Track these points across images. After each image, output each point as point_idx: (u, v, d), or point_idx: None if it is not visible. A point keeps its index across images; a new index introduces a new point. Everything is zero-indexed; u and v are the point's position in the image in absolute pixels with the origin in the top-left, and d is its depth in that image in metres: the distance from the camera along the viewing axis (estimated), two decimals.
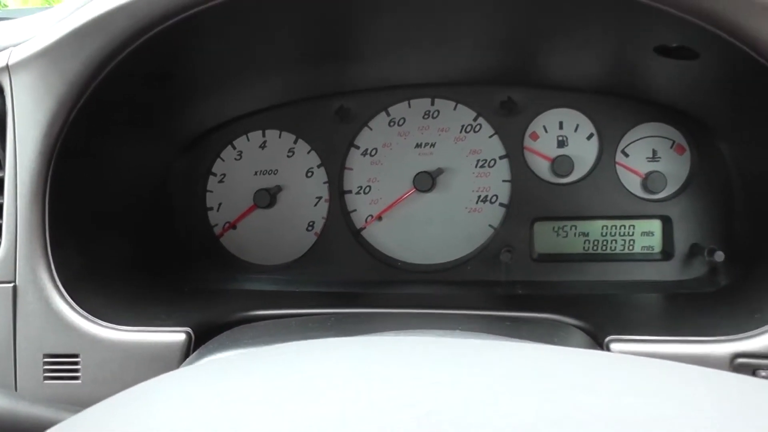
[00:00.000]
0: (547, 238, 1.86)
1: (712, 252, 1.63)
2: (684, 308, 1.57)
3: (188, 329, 1.31)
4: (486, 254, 1.86)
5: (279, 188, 1.94)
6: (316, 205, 1.94)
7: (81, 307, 1.32)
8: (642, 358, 0.62)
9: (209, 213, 1.98)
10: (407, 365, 0.56)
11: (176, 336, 1.30)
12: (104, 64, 1.26)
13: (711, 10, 1.10)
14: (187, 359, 1.23)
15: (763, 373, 1.14)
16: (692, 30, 1.15)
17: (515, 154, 1.86)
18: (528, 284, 1.81)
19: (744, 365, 1.15)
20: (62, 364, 1.30)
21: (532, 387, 0.51)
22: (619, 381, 0.53)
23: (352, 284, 1.86)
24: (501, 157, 1.87)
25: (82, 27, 1.23)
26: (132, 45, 1.24)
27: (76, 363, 1.30)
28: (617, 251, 1.83)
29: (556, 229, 1.85)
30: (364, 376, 0.53)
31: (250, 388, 0.54)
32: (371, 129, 1.92)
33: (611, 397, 0.50)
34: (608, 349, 1.21)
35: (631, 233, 1.82)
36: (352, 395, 0.50)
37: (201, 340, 1.31)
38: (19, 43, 1.33)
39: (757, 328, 1.18)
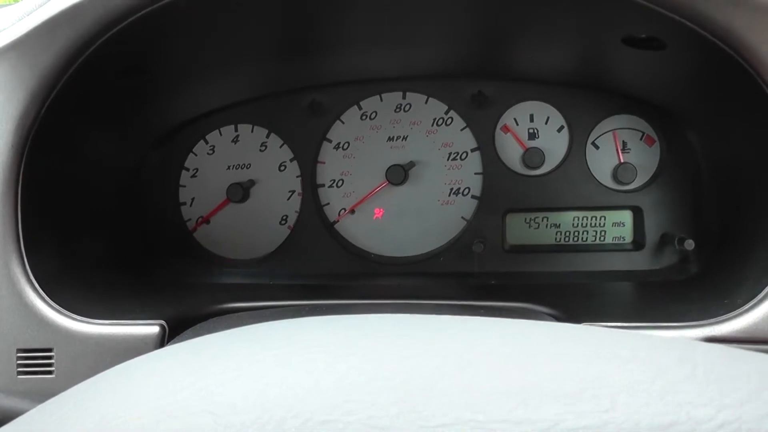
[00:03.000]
0: (519, 229, 1.87)
1: (682, 241, 1.65)
2: (655, 296, 1.59)
3: (162, 322, 1.31)
4: (459, 246, 1.88)
5: (252, 182, 1.94)
6: (289, 198, 1.95)
7: (54, 301, 1.31)
8: (605, 328, 0.63)
9: (182, 208, 1.98)
10: (381, 339, 0.57)
11: (150, 329, 1.30)
12: (76, 56, 1.26)
13: (679, 1, 1.11)
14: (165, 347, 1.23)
15: None
16: (660, 21, 1.16)
17: (487, 146, 1.87)
18: (501, 275, 1.83)
19: None
20: (36, 358, 1.29)
21: (502, 356, 0.52)
22: (585, 348, 0.54)
23: (326, 277, 1.87)
24: (473, 150, 1.88)
25: (52, 18, 1.22)
26: (103, 36, 1.24)
27: (50, 357, 1.29)
28: (589, 242, 1.85)
29: (527, 220, 1.87)
30: (338, 350, 0.54)
31: (229, 364, 0.55)
32: (343, 123, 1.93)
33: (578, 363, 0.51)
34: None
35: (602, 224, 1.84)
36: (325, 368, 0.51)
37: (175, 333, 1.31)
38: None
39: (726, 313, 1.21)
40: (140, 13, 1.21)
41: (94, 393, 0.57)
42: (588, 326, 0.63)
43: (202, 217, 1.97)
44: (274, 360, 0.54)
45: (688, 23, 1.14)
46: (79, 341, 1.29)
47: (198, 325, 1.31)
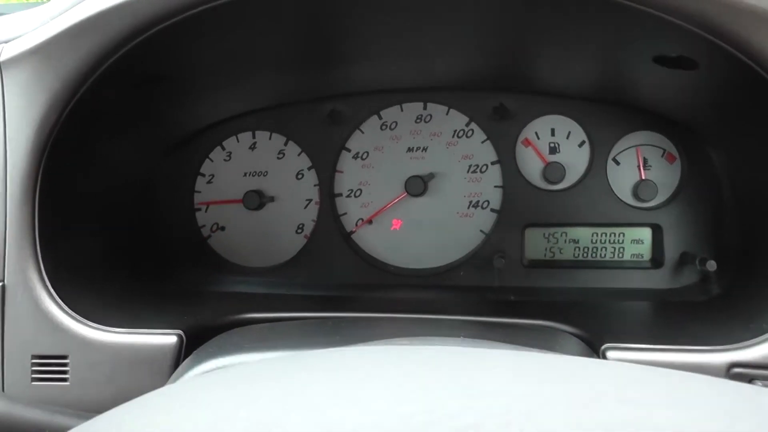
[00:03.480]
0: (538, 244, 1.86)
1: (704, 261, 1.63)
2: (678, 317, 1.58)
3: (180, 332, 1.30)
4: (477, 259, 1.87)
5: (272, 198, 1.94)
6: (306, 207, 1.94)
7: (70, 308, 1.30)
8: (671, 371, 0.62)
9: (197, 214, 1.97)
10: (435, 376, 0.55)
11: (167, 338, 1.29)
12: (99, 63, 1.25)
13: (716, 23, 1.10)
14: (184, 362, 1.21)
15: (760, 383, 1.15)
16: (695, 41, 1.15)
17: (507, 159, 1.86)
18: (519, 290, 1.81)
19: (740, 375, 1.16)
20: (51, 365, 1.29)
21: (567, 398, 0.51)
22: (639, 392, 0.53)
23: (342, 287, 1.86)
24: (493, 163, 1.87)
25: (77, 25, 1.22)
26: (128, 45, 1.23)
27: (65, 365, 1.29)
28: (607, 258, 1.84)
29: (546, 235, 1.85)
30: (392, 388, 0.52)
31: (274, 400, 0.53)
32: (363, 132, 1.92)
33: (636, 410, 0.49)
34: (605, 357, 1.21)
35: (621, 241, 1.82)
36: (380, 407, 0.50)
37: (192, 343, 1.29)
38: (11, 40, 1.31)
39: (753, 338, 1.19)
40: (165, 24, 1.20)
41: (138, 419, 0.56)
42: (639, 366, 0.62)
43: (217, 223, 1.96)
44: (331, 393, 0.52)
45: (724, 44, 1.13)
46: (95, 349, 1.29)
47: (220, 336, 1.29)
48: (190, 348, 1.28)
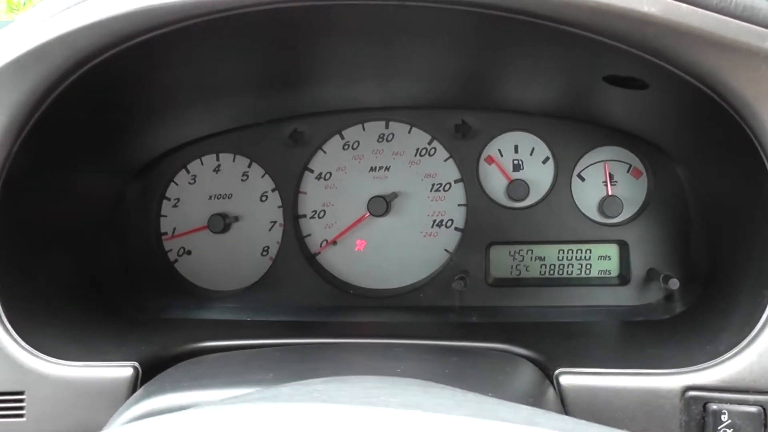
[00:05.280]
0: (503, 262, 1.85)
1: (667, 279, 1.62)
2: (638, 337, 1.56)
3: (135, 364, 1.29)
4: (441, 279, 1.85)
5: (236, 218, 1.93)
6: (270, 229, 1.93)
7: (27, 342, 1.29)
8: None
9: (163, 238, 1.96)
10: None
11: (123, 371, 1.28)
12: (45, 94, 1.23)
13: (659, 46, 1.09)
14: (131, 397, 1.20)
15: (714, 407, 1.13)
16: (641, 62, 1.14)
17: (470, 177, 1.85)
18: (483, 310, 1.80)
19: (695, 398, 1.14)
20: (7, 402, 1.27)
21: None
22: None
23: (306, 311, 1.82)
24: (456, 181, 1.86)
25: (20, 58, 1.20)
26: (73, 75, 1.22)
27: (21, 401, 1.27)
28: (574, 275, 1.82)
29: (512, 253, 1.84)
30: None
31: None
32: (325, 152, 1.91)
33: None
34: (558, 381, 1.20)
35: (587, 257, 1.81)
36: None
37: (149, 374, 1.28)
38: None
39: (708, 360, 1.17)
40: (108, 54, 1.19)
41: None
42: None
43: (183, 248, 1.95)
44: None
45: (669, 66, 1.12)
46: (51, 384, 1.27)
47: (167, 371, 1.27)
48: (147, 379, 1.26)
